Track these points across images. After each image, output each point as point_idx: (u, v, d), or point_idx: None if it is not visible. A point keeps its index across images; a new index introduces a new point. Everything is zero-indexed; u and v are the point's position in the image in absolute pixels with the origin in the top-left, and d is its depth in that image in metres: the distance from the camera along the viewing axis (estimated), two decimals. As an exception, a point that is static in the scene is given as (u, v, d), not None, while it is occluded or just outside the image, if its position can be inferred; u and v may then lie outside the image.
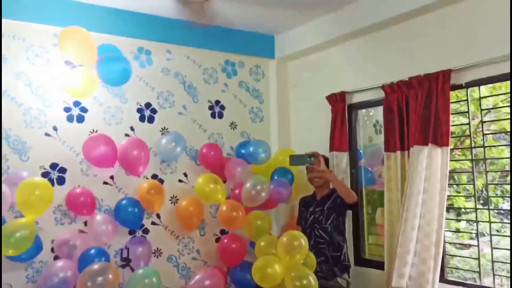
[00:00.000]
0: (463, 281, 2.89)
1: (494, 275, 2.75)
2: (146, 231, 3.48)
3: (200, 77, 3.86)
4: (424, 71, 2.92)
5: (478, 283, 2.83)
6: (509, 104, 2.72)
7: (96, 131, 3.31)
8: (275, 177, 3.68)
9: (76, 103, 3.27)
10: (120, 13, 3.42)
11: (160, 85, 3.66)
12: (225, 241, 3.56)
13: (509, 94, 2.72)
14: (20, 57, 3.10)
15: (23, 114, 3.08)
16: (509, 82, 2.65)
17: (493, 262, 2.76)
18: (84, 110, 3.30)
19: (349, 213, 3.50)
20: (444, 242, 2.88)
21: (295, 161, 3.45)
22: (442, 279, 2.90)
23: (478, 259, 2.84)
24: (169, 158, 3.57)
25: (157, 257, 3.51)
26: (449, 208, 3.31)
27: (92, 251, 3.01)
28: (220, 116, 3.94)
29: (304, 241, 2.97)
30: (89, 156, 3.07)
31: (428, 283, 2.76)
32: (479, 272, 2.83)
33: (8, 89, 3.04)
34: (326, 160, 3.50)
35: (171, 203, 3.61)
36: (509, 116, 2.87)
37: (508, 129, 2.90)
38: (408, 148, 3.01)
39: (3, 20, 3.00)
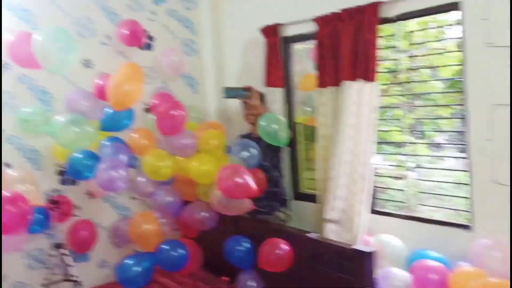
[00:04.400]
0: (392, 212, 2.98)
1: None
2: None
3: (122, 2, 3.51)
4: (357, 2, 2.77)
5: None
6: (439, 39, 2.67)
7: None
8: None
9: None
10: None
11: (77, 10, 3.29)
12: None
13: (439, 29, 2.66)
14: None
15: None
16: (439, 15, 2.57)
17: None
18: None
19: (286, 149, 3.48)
20: (374, 175, 2.95)
21: (230, 94, 3.35)
22: (373, 211, 2.99)
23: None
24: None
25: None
26: (386, 143, 3.37)
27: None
28: (149, 48, 3.67)
29: None
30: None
31: (358, 214, 2.84)
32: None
33: None
34: (262, 96, 3.40)
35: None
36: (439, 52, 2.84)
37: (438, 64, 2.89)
38: (339, 84, 2.94)
39: None
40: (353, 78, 2.80)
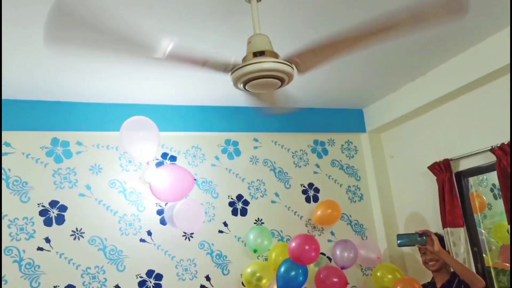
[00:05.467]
0: None
1: None
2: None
3: (290, 161, 3.75)
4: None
5: None
6: None
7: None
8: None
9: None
10: (203, 109, 3.45)
11: (250, 174, 3.60)
12: None
13: None
14: (114, 165, 3.22)
15: (118, 222, 3.13)
16: None
17: None
18: (177, 210, 3.32)
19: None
20: None
21: (404, 241, 3.06)
22: None
23: None
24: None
25: None
26: None
27: None
28: (315, 199, 3.73)
29: None
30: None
31: None
32: None
33: (104, 199, 3.14)
34: (441, 239, 3.07)
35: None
36: None
37: None
38: (538, 218, 2.52)
39: (100, 133, 3.20)
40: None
